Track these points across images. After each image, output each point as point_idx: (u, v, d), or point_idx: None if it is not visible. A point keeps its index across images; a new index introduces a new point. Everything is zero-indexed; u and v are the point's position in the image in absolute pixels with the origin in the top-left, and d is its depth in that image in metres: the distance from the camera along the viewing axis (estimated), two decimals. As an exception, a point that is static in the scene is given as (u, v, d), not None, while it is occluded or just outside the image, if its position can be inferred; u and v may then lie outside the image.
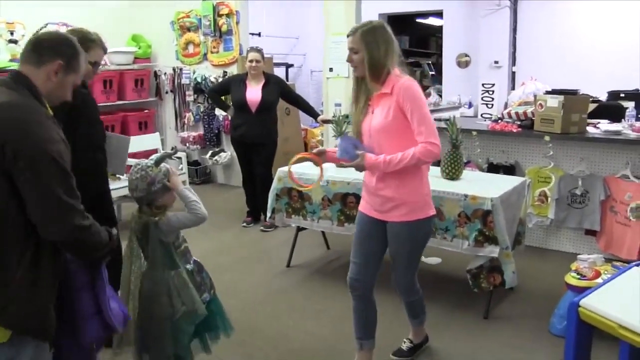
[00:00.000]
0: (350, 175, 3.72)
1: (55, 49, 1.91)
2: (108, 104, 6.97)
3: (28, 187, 1.74)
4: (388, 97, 2.52)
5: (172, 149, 2.84)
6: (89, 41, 2.84)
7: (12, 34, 5.99)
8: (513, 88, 7.52)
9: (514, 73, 7.96)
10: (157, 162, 2.45)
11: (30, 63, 1.89)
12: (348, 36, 2.58)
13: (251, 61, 5.25)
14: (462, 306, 3.68)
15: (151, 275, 2.45)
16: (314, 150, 2.74)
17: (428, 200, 2.71)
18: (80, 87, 2.86)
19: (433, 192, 3.41)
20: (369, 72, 2.53)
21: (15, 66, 5.85)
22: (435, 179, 3.71)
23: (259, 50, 5.34)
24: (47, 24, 6.26)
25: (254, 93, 5.29)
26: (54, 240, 1.82)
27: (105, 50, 2.99)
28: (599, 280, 3.04)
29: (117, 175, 4.40)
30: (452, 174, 3.70)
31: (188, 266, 2.50)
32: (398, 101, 2.48)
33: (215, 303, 2.62)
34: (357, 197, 3.76)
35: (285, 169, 4.21)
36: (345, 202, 3.87)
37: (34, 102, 1.84)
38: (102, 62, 6.61)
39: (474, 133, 4.72)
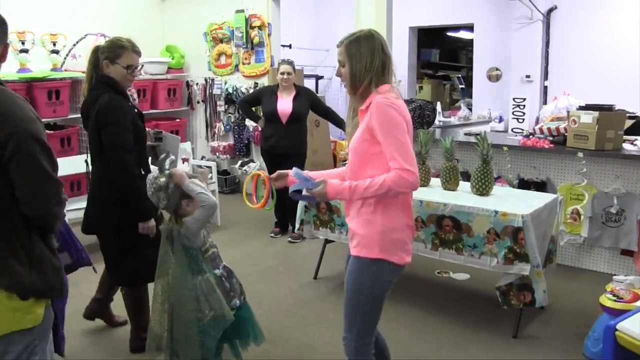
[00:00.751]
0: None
1: None
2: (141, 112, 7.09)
3: (17, 166, 1.79)
4: (365, 115, 2.24)
5: (157, 133, 3.14)
6: (118, 48, 3.01)
7: (54, 44, 6.13)
8: (545, 102, 7.42)
9: (546, 87, 7.85)
10: (161, 169, 2.50)
11: None
12: (337, 47, 2.34)
13: (282, 73, 5.30)
14: (490, 323, 3.63)
15: (179, 281, 2.51)
16: (274, 174, 2.44)
17: (389, 241, 2.23)
18: (113, 92, 2.98)
19: (462, 207, 3.44)
20: (348, 85, 2.29)
21: (56, 75, 6.01)
22: (465, 194, 3.71)
23: (290, 63, 5.39)
24: (86, 35, 6.42)
25: (285, 104, 5.33)
26: (38, 214, 1.86)
27: (138, 54, 3.09)
28: (638, 303, 2.96)
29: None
30: (482, 190, 3.66)
31: (217, 271, 2.54)
32: (368, 120, 2.19)
33: (246, 309, 2.64)
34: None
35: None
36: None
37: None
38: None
39: (505, 148, 4.68)
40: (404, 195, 2.26)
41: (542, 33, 7.71)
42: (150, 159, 3.28)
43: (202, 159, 7.58)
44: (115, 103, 2.94)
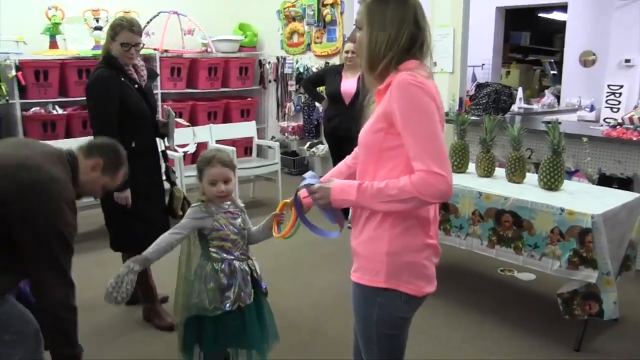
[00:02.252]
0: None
1: (101, 149, 2.23)
2: (212, 90, 7.10)
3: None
4: (381, 97, 1.71)
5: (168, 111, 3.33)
6: (117, 26, 3.14)
7: (97, 21, 6.14)
8: (646, 90, 6.75)
9: (647, 73, 7.15)
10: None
11: (82, 152, 2.19)
12: (359, 3, 1.83)
13: (347, 52, 5.05)
14: (551, 332, 3.27)
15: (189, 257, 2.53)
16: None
17: (399, 266, 1.71)
18: (108, 68, 3.12)
19: (524, 202, 3.10)
20: (364, 58, 1.74)
21: (98, 53, 5.93)
22: (530, 187, 3.36)
23: (356, 41, 5.14)
24: (159, 13, 6.46)
25: (349, 84, 5.09)
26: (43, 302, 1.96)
27: (136, 33, 3.16)
28: None
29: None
30: (551, 184, 3.29)
31: (216, 264, 2.37)
32: (386, 105, 1.66)
33: (244, 319, 2.43)
34: (443, 202, 3.47)
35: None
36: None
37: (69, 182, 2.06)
38: (207, 49, 6.80)
39: (585, 139, 4.21)
40: (428, 204, 1.69)
41: (648, 12, 6.99)
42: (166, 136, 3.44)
43: (271, 138, 7.51)
44: (99, 78, 3.09)
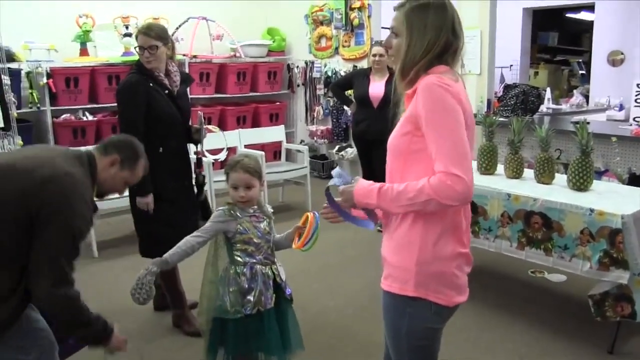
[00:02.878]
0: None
1: (117, 146, 2.26)
2: (241, 95, 7.20)
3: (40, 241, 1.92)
4: (410, 101, 1.72)
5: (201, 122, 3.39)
6: (136, 32, 3.28)
7: (127, 27, 6.29)
8: (676, 89, 6.64)
9: (678, 72, 7.05)
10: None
11: (98, 151, 2.24)
12: (394, 10, 1.78)
13: (375, 55, 5.09)
14: (583, 334, 3.26)
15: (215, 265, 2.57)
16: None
17: (429, 275, 1.70)
18: (138, 73, 3.18)
19: (553, 203, 3.10)
20: (400, 64, 1.74)
21: (128, 59, 6.03)
22: (559, 188, 3.36)
23: (383, 44, 5.18)
24: (188, 19, 6.59)
25: (377, 88, 5.13)
26: (38, 296, 1.95)
27: (148, 35, 3.16)
28: None
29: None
30: (580, 184, 3.28)
31: (239, 268, 2.43)
32: (413, 107, 1.67)
33: (263, 324, 2.45)
34: (472, 204, 3.48)
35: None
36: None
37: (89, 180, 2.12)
38: (236, 54, 6.90)
39: (614, 139, 4.19)
40: (454, 210, 1.69)
41: (676, 11, 6.91)
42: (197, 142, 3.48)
43: (300, 142, 7.58)
44: (127, 83, 3.18)
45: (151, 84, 3.17)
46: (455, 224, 1.72)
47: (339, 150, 7.12)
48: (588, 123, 3.51)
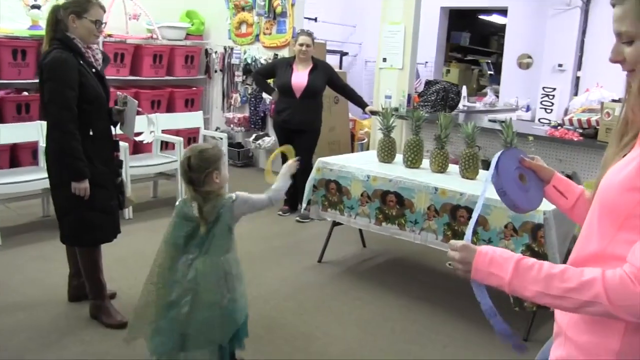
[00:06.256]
0: (393, 172, 3.48)
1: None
2: (156, 78, 6.92)
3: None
4: None
5: (124, 98, 3.22)
6: (85, 2, 2.95)
7: None
8: (576, 94, 7.10)
9: (578, 78, 7.52)
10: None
11: None
12: (614, 5, 1.19)
13: (301, 45, 5.05)
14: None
15: (205, 260, 2.38)
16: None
17: None
18: (67, 50, 2.92)
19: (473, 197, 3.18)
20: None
21: (35, 33, 5.66)
22: (482, 184, 3.45)
23: (310, 34, 5.14)
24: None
25: (300, 77, 5.09)
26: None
27: (104, 10, 3.04)
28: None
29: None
30: (503, 181, 3.40)
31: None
32: None
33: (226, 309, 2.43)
34: (399, 197, 3.53)
35: (325, 159, 4.01)
36: (384, 200, 3.63)
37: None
38: (153, 36, 6.61)
39: (530, 138, 4.39)
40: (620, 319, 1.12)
41: (580, 21, 7.37)
42: (118, 123, 3.29)
43: (216, 129, 7.40)
44: (60, 59, 2.88)
45: (81, 62, 2.96)
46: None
47: (256, 139, 7.03)
48: (503, 122, 3.65)
